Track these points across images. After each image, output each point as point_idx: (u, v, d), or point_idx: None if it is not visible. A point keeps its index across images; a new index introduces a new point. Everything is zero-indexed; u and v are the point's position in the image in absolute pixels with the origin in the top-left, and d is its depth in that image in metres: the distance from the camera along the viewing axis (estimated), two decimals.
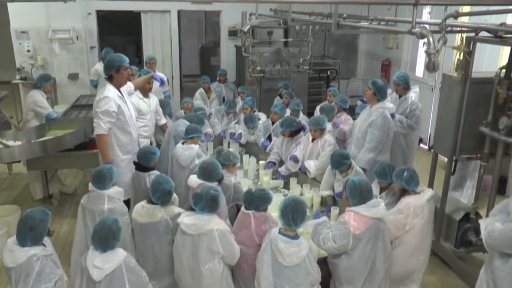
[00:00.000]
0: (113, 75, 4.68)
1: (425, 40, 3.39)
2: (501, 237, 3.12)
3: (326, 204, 4.66)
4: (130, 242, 3.80)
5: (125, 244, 3.68)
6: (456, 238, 5.07)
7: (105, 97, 4.56)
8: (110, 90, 4.63)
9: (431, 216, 3.89)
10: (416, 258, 3.87)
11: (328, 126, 5.29)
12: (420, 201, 3.77)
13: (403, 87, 5.81)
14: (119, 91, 4.76)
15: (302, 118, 6.25)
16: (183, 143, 4.78)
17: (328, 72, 9.81)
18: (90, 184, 3.85)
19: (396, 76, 5.90)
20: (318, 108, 7.06)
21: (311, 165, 4.98)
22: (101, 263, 3.02)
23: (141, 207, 3.75)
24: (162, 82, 5.97)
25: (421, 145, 8.71)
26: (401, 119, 5.67)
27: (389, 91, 6.14)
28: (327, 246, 3.45)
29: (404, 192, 3.85)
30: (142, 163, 4.37)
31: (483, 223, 3.38)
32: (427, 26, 4.88)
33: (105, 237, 3.06)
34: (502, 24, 4.26)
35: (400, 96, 5.90)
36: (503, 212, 3.27)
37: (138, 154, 4.45)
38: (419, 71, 9.35)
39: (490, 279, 3.29)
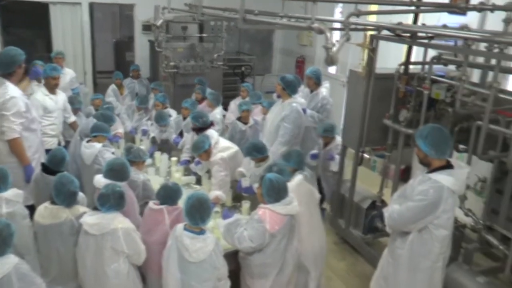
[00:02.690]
0: (17, 71, 4.39)
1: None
2: (399, 216, 3.37)
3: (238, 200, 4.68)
4: (33, 246, 3.61)
5: (28, 249, 3.53)
6: (364, 225, 5.36)
7: (12, 97, 4.29)
8: (13, 89, 4.36)
9: (308, 198, 3.92)
10: (308, 242, 3.89)
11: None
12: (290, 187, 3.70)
13: (315, 81, 6.00)
14: None
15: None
16: (87, 142, 4.62)
17: (243, 68, 9.92)
18: None
19: (309, 70, 6.11)
20: (232, 103, 7.12)
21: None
22: None
23: (44, 209, 3.54)
24: None
25: None
26: (312, 114, 5.85)
27: (302, 87, 6.32)
28: (244, 246, 3.44)
29: None
30: (52, 167, 4.07)
31: (385, 209, 3.61)
32: (338, 24, 5.05)
33: None
34: (399, 23, 4.53)
35: (311, 91, 6.09)
36: (401, 197, 3.50)
37: (50, 157, 4.16)
38: (332, 67, 9.70)
39: (390, 258, 3.52)
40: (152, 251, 3.48)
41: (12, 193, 3.58)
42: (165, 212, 3.52)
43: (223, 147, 4.76)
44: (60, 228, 3.46)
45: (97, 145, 4.57)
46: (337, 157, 5.53)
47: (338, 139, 5.64)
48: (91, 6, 9.93)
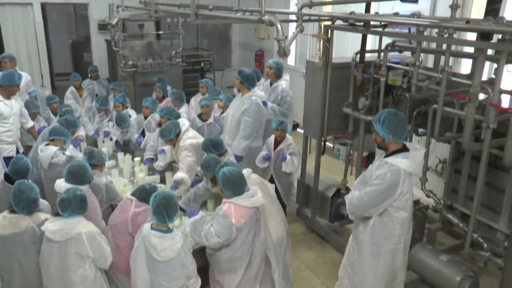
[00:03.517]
0: None
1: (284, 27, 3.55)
2: (359, 202, 3.44)
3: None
4: None
5: None
6: (330, 213, 5.42)
7: None
8: None
9: (261, 189, 3.82)
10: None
11: None
12: None
13: (275, 72, 6.02)
14: None
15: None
16: (45, 145, 4.54)
17: (202, 64, 9.89)
18: None
19: (271, 60, 6.17)
20: (192, 100, 7.07)
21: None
22: None
23: (2, 218, 3.43)
24: None
25: (298, 129, 9.10)
26: (273, 107, 5.86)
27: (262, 80, 6.33)
28: (212, 243, 3.43)
29: None
30: (15, 178, 3.86)
31: (346, 196, 3.68)
32: (293, 16, 5.08)
33: None
34: (352, 13, 4.60)
35: (271, 84, 6.11)
36: (361, 183, 3.56)
37: (12, 168, 4.00)
38: (291, 59, 9.77)
39: (354, 244, 3.60)
40: (107, 234, 3.51)
41: None
42: (134, 203, 3.55)
43: (193, 135, 4.88)
44: (21, 237, 3.36)
45: (52, 148, 4.49)
46: (289, 157, 5.21)
47: (289, 138, 5.38)
48: (44, 6, 9.66)
